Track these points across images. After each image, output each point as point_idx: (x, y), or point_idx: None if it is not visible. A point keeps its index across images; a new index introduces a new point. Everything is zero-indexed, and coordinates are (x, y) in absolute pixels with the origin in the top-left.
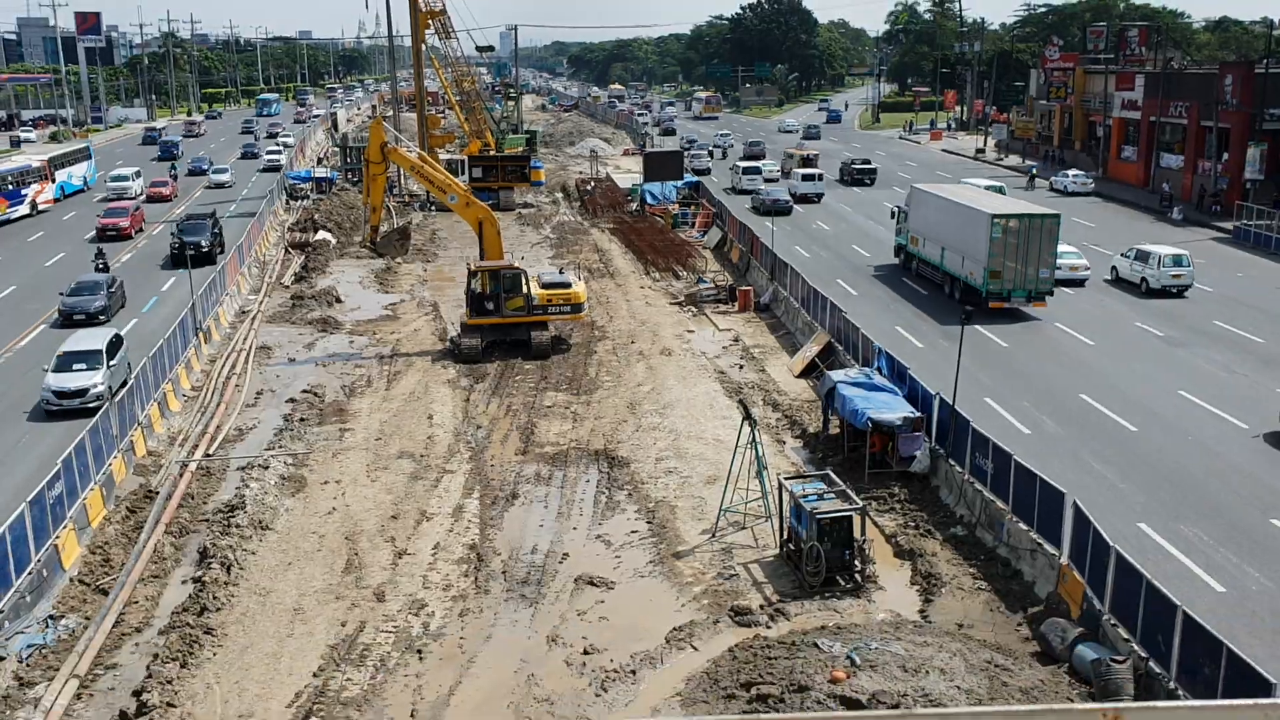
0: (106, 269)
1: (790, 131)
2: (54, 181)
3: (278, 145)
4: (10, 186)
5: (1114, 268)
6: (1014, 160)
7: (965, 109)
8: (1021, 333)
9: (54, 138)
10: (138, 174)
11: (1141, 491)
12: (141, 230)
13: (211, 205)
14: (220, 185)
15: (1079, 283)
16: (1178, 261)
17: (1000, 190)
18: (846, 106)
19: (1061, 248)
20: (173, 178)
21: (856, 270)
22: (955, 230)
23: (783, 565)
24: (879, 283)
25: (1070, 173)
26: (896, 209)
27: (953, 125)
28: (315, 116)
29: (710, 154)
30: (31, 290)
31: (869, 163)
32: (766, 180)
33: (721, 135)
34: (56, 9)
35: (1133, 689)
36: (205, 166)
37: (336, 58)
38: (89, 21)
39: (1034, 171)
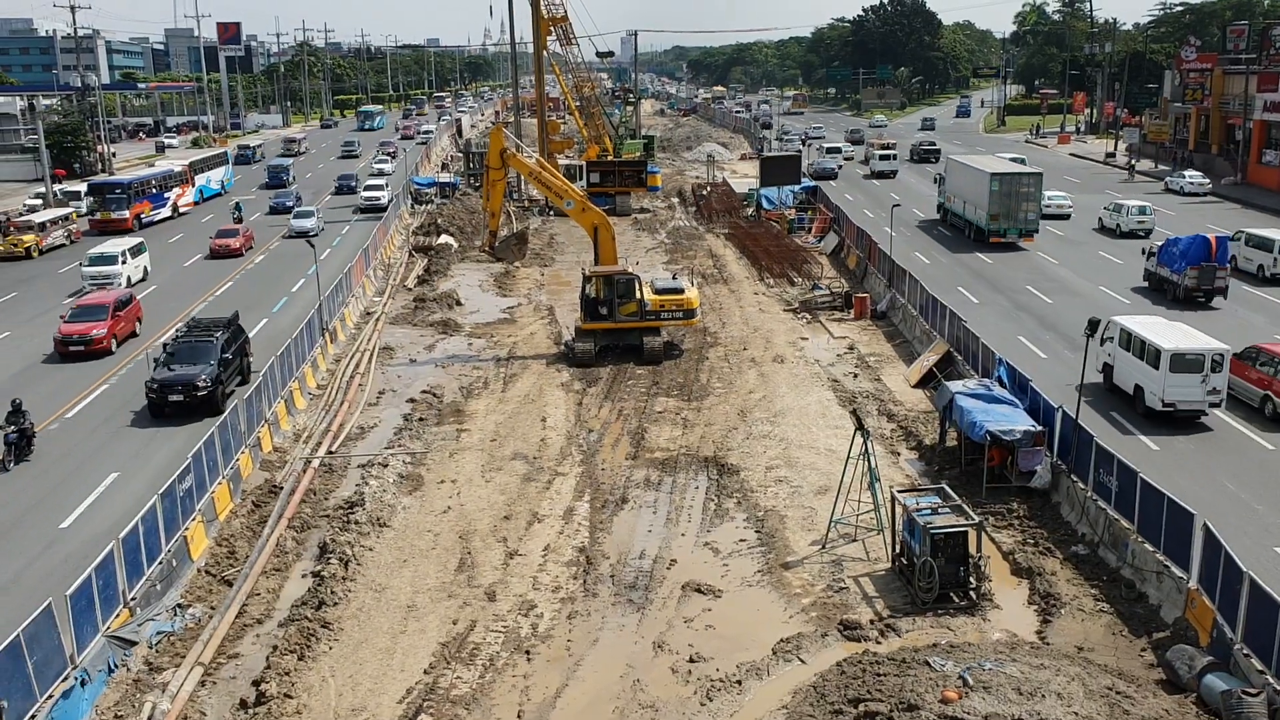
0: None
1: (880, 126)
2: (194, 185)
3: (380, 181)
4: (154, 190)
5: (1099, 218)
6: (1146, 165)
7: (1095, 112)
8: (1011, 259)
9: (195, 143)
10: (133, 252)
11: (1277, 513)
12: (252, 248)
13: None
14: (303, 235)
15: (1065, 217)
16: (1142, 211)
17: (1021, 161)
18: (983, 104)
19: (1051, 192)
20: (237, 221)
21: (905, 223)
22: (970, 187)
23: (894, 580)
24: (919, 230)
25: (1187, 174)
26: (938, 176)
27: (1082, 128)
28: (423, 132)
29: (840, 156)
30: (171, 289)
31: (934, 144)
32: (830, 152)
33: (815, 128)
34: (200, 20)
35: None
36: (290, 204)
37: (463, 64)
38: (229, 32)
39: (1134, 164)
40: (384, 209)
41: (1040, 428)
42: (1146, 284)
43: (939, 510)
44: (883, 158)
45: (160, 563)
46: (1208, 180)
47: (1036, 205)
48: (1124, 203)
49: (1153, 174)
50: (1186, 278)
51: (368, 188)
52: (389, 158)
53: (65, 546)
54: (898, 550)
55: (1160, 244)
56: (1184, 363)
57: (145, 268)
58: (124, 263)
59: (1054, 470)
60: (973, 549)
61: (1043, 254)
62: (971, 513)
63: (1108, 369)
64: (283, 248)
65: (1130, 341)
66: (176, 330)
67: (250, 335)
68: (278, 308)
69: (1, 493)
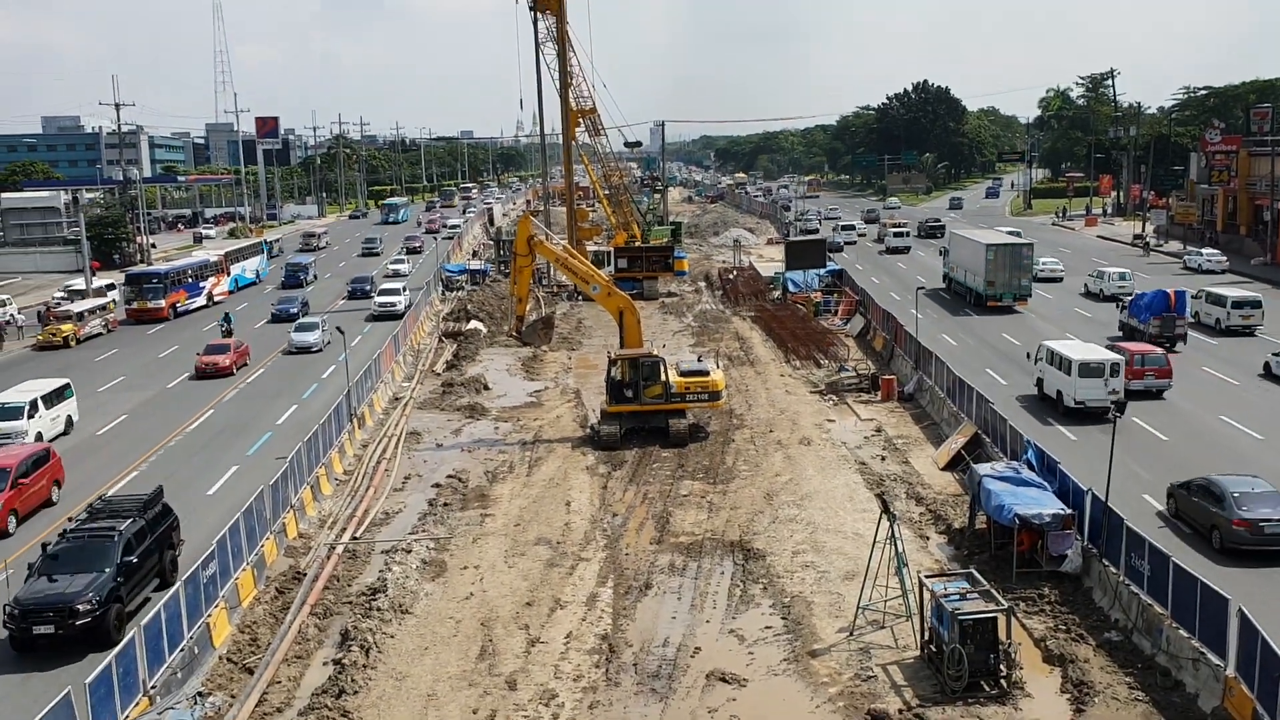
0: None
1: (893, 208)
2: (229, 275)
3: (397, 285)
4: (190, 280)
5: (1085, 284)
6: (1174, 246)
7: (1122, 194)
8: (1006, 320)
9: (232, 234)
10: (50, 399)
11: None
12: (247, 364)
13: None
14: (304, 350)
15: (1058, 280)
16: (1123, 276)
17: (1017, 234)
18: (1013, 186)
19: (1045, 259)
20: (226, 335)
21: (912, 290)
22: (969, 257)
23: (924, 668)
24: (925, 297)
25: (1205, 252)
26: (943, 249)
27: (1109, 211)
28: (449, 226)
29: (853, 233)
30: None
31: (939, 221)
32: (844, 229)
33: (831, 209)
34: (239, 115)
35: None
36: (294, 311)
37: (495, 155)
38: (268, 126)
39: (1148, 242)
40: (400, 315)
41: (1070, 511)
42: (1121, 333)
43: (968, 596)
44: (896, 235)
45: (182, 650)
46: (1225, 258)
47: (1029, 272)
48: (1106, 269)
49: (1172, 253)
50: (1151, 326)
51: (382, 292)
52: (408, 255)
53: None
54: (926, 637)
55: (1130, 298)
56: (1089, 370)
57: (69, 417)
58: (33, 416)
59: (1085, 554)
60: (1003, 635)
61: (1034, 314)
62: (1001, 598)
63: (1039, 381)
64: (281, 365)
65: (1052, 357)
66: (72, 520)
67: (280, 420)
68: (308, 393)
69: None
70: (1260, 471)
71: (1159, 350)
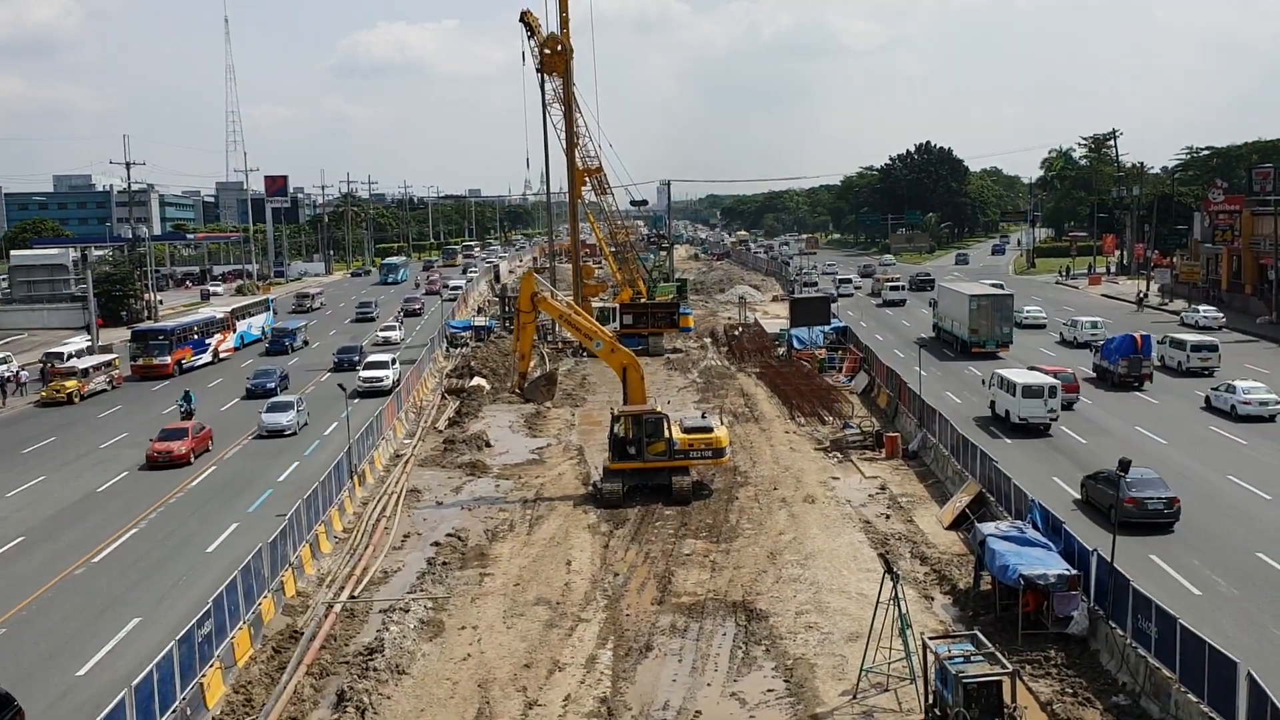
0: None
1: (888, 265)
2: (235, 331)
3: (385, 357)
4: (196, 336)
5: (1060, 332)
6: (1179, 304)
7: (1125, 253)
8: (987, 365)
9: (240, 290)
10: None
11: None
12: (209, 449)
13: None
14: (276, 433)
15: (1040, 327)
16: (1094, 325)
17: (1000, 286)
18: (1019, 243)
19: (1030, 307)
20: (185, 416)
21: (906, 340)
22: (955, 308)
23: None
24: (915, 346)
25: (1201, 308)
26: (932, 300)
27: (1113, 269)
28: (450, 287)
29: (850, 285)
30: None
31: (929, 275)
32: (841, 283)
33: (829, 265)
34: (249, 174)
35: None
36: (271, 385)
37: (503, 213)
38: (277, 184)
39: (1143, 297)
40: (388, 392)
41: (1075, 571)
42: (1095, 374)
43: (972, 658)
44: (892, 289)
45: (174, 712)
46: (1222, 315)
47: (1009, 321)
48: (1079, 318)
49: (1169, 309)
50: (1119, 366)
51: (368, 365)
52: (405, 319)
53: (82, 694)
54: (931, 700)
55: (1102, 343)
56: (1031, 391)
57: None
58: None
59: (1091, 616)
60: (1008, 699)
61: (1014, 359)
62: (1005, 660)
63: (992, 404)
64: (250, 450)
65: (1002, 382)
66: None
67: (281, 478)
68: (310, 451)
69: (20, 638)
70: (1156, 466)
71: (1068, 370)
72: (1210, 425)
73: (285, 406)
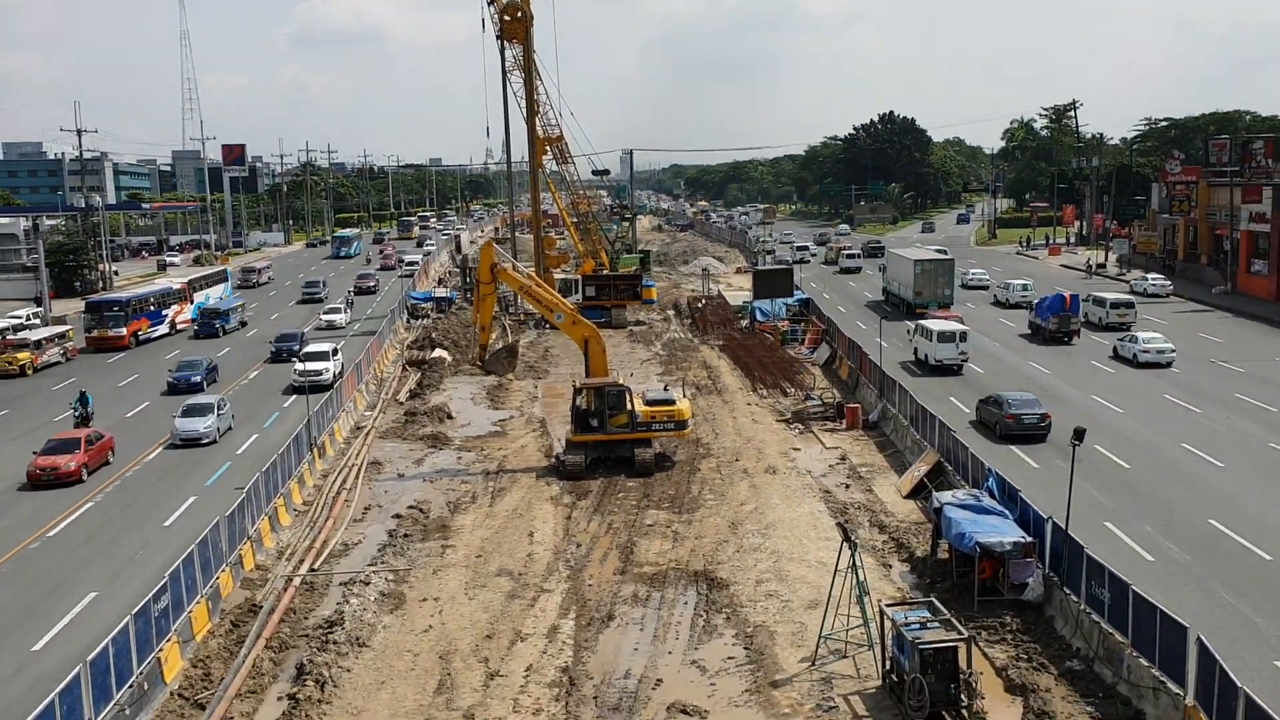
0: None
1: (843, 234)
2: (192, 303)
3: (326, 347)
4: (152, 308)
5: (994, 295)
6: (1136, 273)
7: (1085, 224)
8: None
9: (198, 261)
10: None
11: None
12: (109, 462)
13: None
14: (193, 441)
15: (984, 288)
16: (1025, 287)
17: (943, 252)
18: (983, 211)
19: (974, 270)
20: (80, 422)
21: (858, 303)
22: (901, 272)
23: (885, 698)
24: (866, 308)
25: (1150, 276)
26: (882, 265)
27: (1072, 240)
28: (408, 263)
29: (807, 253)
30: (162, 407)
31: (879, 242)
32: (798, 249)
33: (786, 234)
34: (205, 143)
35: None
36: (195, 379)
37: (464, 182)
38: (234, 153)
39: (1091, 265)
40: (329, 386)
41: (1030, 539)
42: (1030, 331)
43: (928, 625)
44: (849, 256)
45: (131, 686)
46: (1170, 283)
47: (950, 284)
48: (1011, 281)
49: (1114, 277)
50: (1050, 323)
51: (306, 356)
52: (355, 298)
53: (36, 669)
54: (888, 667)
55: (1035, 301)
56: (944, 337)
57: None
58: None
59: (1046, 582)
60: (964, 665)
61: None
62: (961, 627)
63: (915, 349)
64: (160, 464)
65: (922, 330)
66: None
67: (240, 450)
68: (269, 422)
69: None
70: (1046, 398)
71: (957, 316)
72: (1113, 369)
73: (203, 410)
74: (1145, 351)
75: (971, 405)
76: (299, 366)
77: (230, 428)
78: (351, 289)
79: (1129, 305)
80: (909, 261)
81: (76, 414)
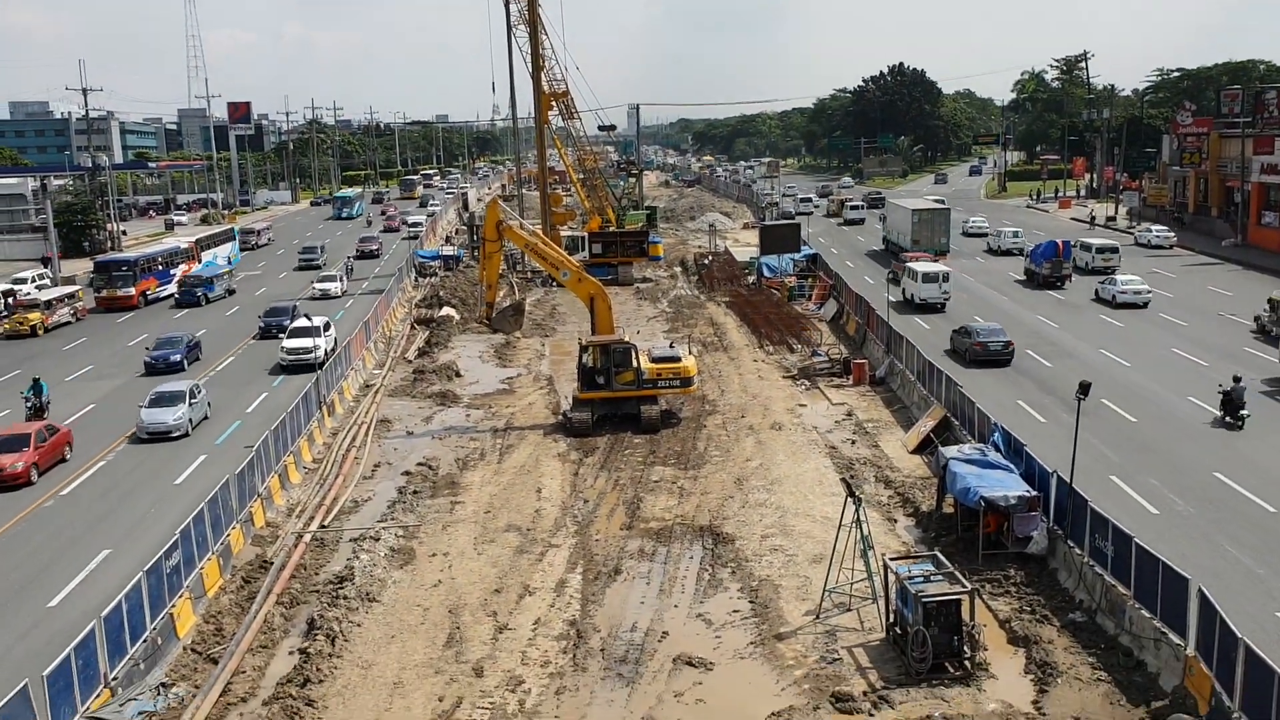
0: None
1: (846, 187)
2: (200, 262)
3: (315, 322)
4: (160, 267)
5: (988, 243)
6: (1143, 226)
7: (1095, 176)
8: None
9: (205, 220)
10: None
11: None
12: (66, 458)
13: None
14: (160, 435)
15: (983, 235)
16: (1015, 235)
17: (941, 202)
18: (994, 164)
19: (974, 218)
20: (33, 414)
21: (858, 252)
22: (900, 221)
23: (889, 650)
24: (866, 256)
25: (1154, 228)
26: (882, 216)
27: (1082, 193)
28: (411, 224)
29: (810, 204)
30: (136, 391)
31: (880, 194)
32: (801, 202)
33: (790, 187)
34: (211, 101)
35: None
36: (176, 358)
37: (471, 139)
38: (240, 111)
39: (1094, 218)
40: (319, 365)
41: (1035, 493)
42: (1025, 277)
43: (931, 578)
44: (852, 208)
45: (144, 641)
46: (1173, 234)
47: (946, 232)
48: (1002, 229)
49: (1119, 229)
50: (1043, 269)
51: (294, 333)
52: (341, 274)
53: (52, 626)
54: (891, 620)
55: (1029, 249)
56: (928, 278)
57: None
58: None
59: (1050, 536)
60: (966, 618)
61: (950, 268)
62: (964, 580)
63: (903, 290)
64: (122, 463)
65: (909, 272)
66: None
67: (249, 409)
68: (278, 382)
69: None
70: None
71: (939, 259)
72: (1093, 310)
73: (173, 399)
74: (1123, 293)
75: (943, 335)
76: (286, 344)
77: (206, 417)
78: (352, 254)
79: (1113, 250)
80: (907, 211)
81: (29, 405)
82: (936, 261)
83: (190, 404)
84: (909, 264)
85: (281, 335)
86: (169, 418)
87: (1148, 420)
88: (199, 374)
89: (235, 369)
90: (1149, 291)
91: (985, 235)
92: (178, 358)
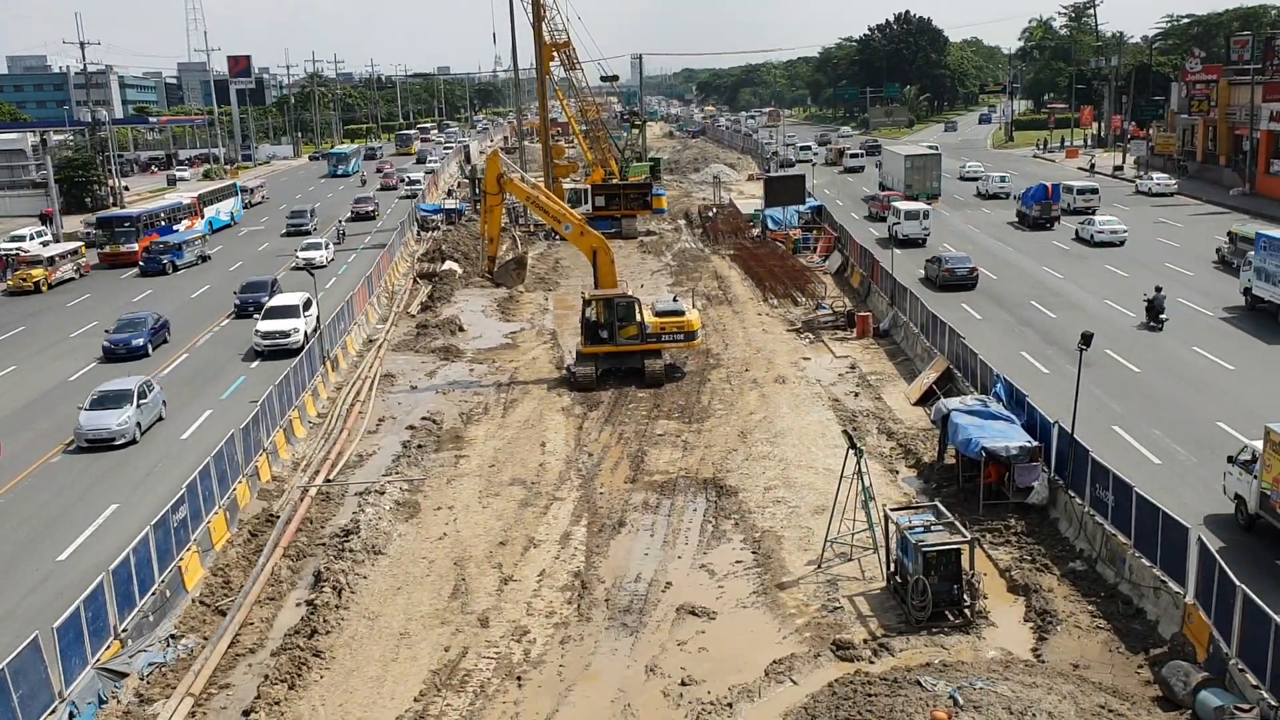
0: None
1: (846, 137)
2: (203, 217)
3: (294, 300)
4: (163, 223)
5: (976, 188)
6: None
7: (1103, 125)
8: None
9: (207, 175)
10: None
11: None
12: None
13: None
14: (102, 442)
15: (978, 178)
16: (1002, 179)
17: (934, 148)
18: (1002, 113)
19: (971, 163)
20: None
21: (856, 198)
22: (894, 167)
23: (889, 599)
24: (861, 202)
25: (1155, 176)
26: (878, 162)
27: (1090, 142)
28: (410, 182)
29: (809, 152)
30: (176, 322)
31: (876, 142)
32: (801, 149)
33: (790, 136)
34: (211, 54)
35: None
36: (137, 341)
37: (472, 91)
38: (240, 65)
39: (1093, 164)
40: (298, 350)
41: (1036, 443)
42: (1017, 219)
43: (932, 528)
44: (852, 156)
45: (153, 594)
46: (1175, 181)
47: (938, 177)
48: (990, 174)
49: (1124, 178)
50: (1034, 210)
51: (269, 313)
52: (327, 242)
53: (62, 579)
54: (892, 569)
55: (1021, 192)
56: (910, 215)
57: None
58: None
59: (1051, 486)
60: (966, 567)
61: (940, 208)
62: (964, 530)
63: (889, 227)
64: (54, 478)
65: (896, 210)
66: None
67: (176, 445)
68: (227, 393)
69: None
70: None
71: (933, 203)
72: (1097, 259)
73: (118, 399)
74: (1100, 232)
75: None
76: (260, 325)
77: (160, 418)
78: (344, 217)
79: (1093, 191)
80: (900, 157)
81: None
82: (893, 194)
83: (138, 405)
84: (895, 203)
85: (251, 311)
86: (112, 422)
87: (1151, 370)
88: (166, 360)
89: (205, 353)
90: (1125, 230)
91: (979, 179)
92: (140, 341)
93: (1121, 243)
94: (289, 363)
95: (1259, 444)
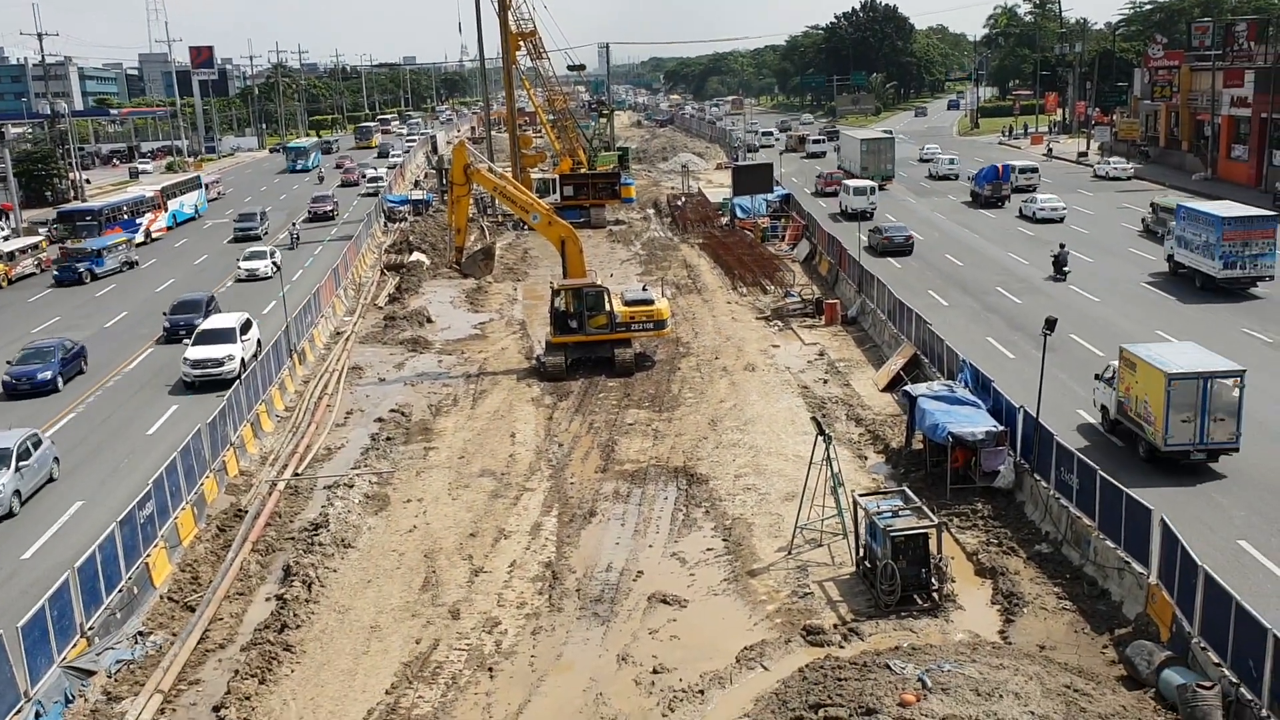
0: None
1: (807, 124)
2: (166, 210)
3: (230, 322)
4: (126, 216)
5: (927, 169)
6: (1117, 160)
7: (1067, 112)
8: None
9: (170, 168)
10: None
11: (1242, 506)
12: None
13: None
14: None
15: (931, 160)
16: (951, 161)
17: (888, 133)
18: (968, 99)
19: (929, 145)
20: None
21: (815, 180)
22: (851, 151)
23: (859, 584)
24: (815, 179)
25: (1112, 160)
26: (837, 146)
27: (1054, 129)
28: (370, 180)
29: (771, 138)
30: (142, 315)
31: (835, 128)
32: (763, 135)
33: (752, 123)
34: (172, 45)
35: (1221, 717)
36: (43, 376)
37: (439, 81)
38: (203, 56)
39: (1050, 149)
40: (231, 381)
41: (1002, 428)
42: (970, 197)
43: (900, 513)
44: (814, 142)
45: (120, 590)
46: (1131, 166)
47: (892, 160)
48: (940, 155)
49: (1081, 162)
50: (985, 190)
51: (200, 337)
52: (292, 240)
53: (26, 577)
54: (861, 554)
55: (974, 173)
56: (858, 191)
57: None
58: None
59: (1017, 470)
60: (934, 551)
61: (893, 187)
62: (932, 514)
63: (840, 203)
64: None
65: (845, 187)
66: None
67: (51, 530)
68: (153, 427)
69: None
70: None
71: (886, 184)
72: (1014, 223)
73: None
74: (1041, 209)
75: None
76: (189, 353)
77: (51, 479)
78: (298, 220)
79: (1034, 170)
80: (856, 141)
81: None
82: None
83: (18, 469)
84: (843, 180)
85: (183, 334)
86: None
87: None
88: (81, 393)
89: (124, 387)
90: (1064, 208)
91: (933, 160)
92: (48, 374)
93: (1061, 219)
94: (223, 395)
95: (1117, 362)
